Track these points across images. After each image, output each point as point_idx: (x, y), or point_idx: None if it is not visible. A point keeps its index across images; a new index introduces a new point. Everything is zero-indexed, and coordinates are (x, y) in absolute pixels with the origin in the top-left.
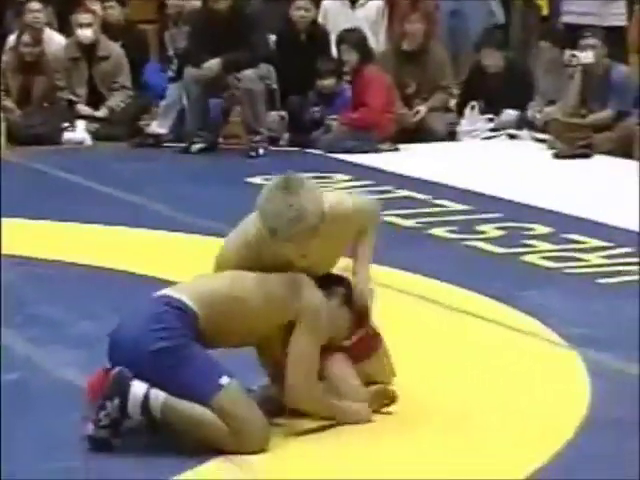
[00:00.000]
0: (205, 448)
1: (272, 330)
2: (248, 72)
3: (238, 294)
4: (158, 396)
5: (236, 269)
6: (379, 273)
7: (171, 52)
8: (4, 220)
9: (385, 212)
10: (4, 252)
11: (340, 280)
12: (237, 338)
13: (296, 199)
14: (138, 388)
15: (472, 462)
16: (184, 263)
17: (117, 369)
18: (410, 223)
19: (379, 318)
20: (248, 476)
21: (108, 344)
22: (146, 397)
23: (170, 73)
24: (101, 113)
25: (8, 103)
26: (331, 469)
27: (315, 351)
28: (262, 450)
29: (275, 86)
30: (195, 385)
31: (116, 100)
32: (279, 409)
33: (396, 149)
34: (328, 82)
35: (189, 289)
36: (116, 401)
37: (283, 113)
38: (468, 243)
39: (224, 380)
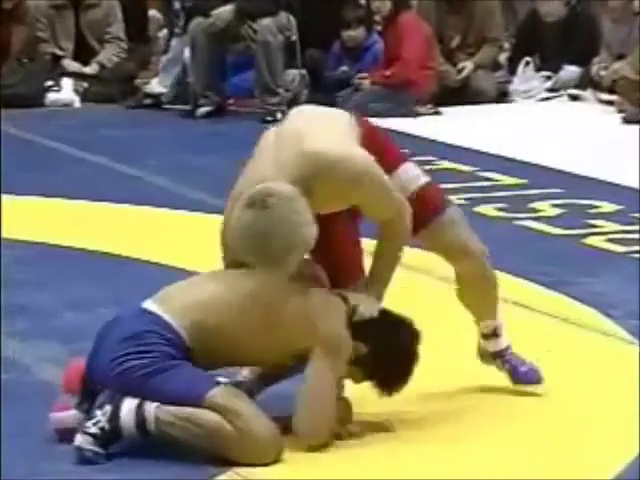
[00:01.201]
0: (209, 461)
1: (279, 357)
2: (264, 22)
3: (237, 315)
4: (151, 405)
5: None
6: (418, 256)
7: (177, 5)
8: None
9: None
10: None
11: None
12: (234, 361)
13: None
14: (130, 399)
15: (556, 461)
16: (187, 245)
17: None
18: (453, 199)
19: (418, 307)
20: None
21: (86, 366)
22: (139, 405)
23: (177, 30)
24: (91, 69)
25: None
26: None
27: (333, 389)
28: (277, 456)
29: (295, 38)
30: (184, 389)
31: (108, 54)
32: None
33: (437, 112)
34: (356, 33)
35: (177, 303)
36: (107, 408)
37: (304, 70)
38: (520, 223)
39: (220, 379)
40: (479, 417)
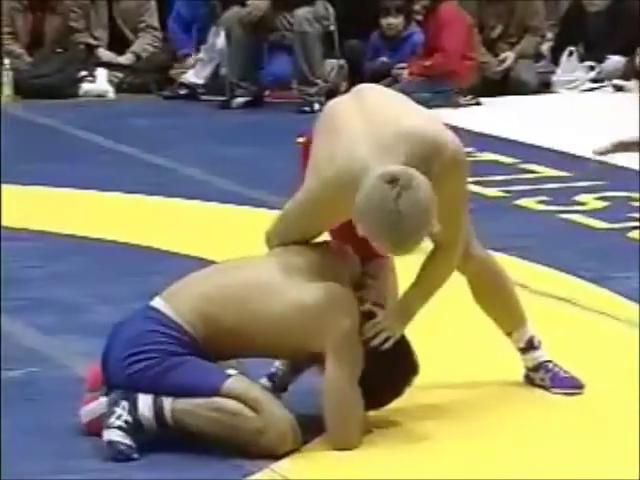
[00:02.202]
0: (240, 458)
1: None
2: (301, 11)
3: (240, 306)
4: (167, 397)
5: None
6: None
7: None
8: (8, 187)
9: None
10: (6, 223)
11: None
12: (244, 352)
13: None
14: (145, 395)
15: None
16: (220, 238)
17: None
18: (495, 192)
19: (456, 302)
20: None
21: (101, 365)
22: (155, 398)
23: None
24: (125, 60)
25: (15, 48)
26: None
27: (354, 392)
28: (295, 445)
29: (333, 28)
30: (198, 380)
31: (142, 44)
32: None
33: (478, 103)
34: (395, 22)
35: (183, 298)
36: (124, 403)
37: (342, 61)
38: (564, 216)
39: (231, 371)
40: (505, 413)
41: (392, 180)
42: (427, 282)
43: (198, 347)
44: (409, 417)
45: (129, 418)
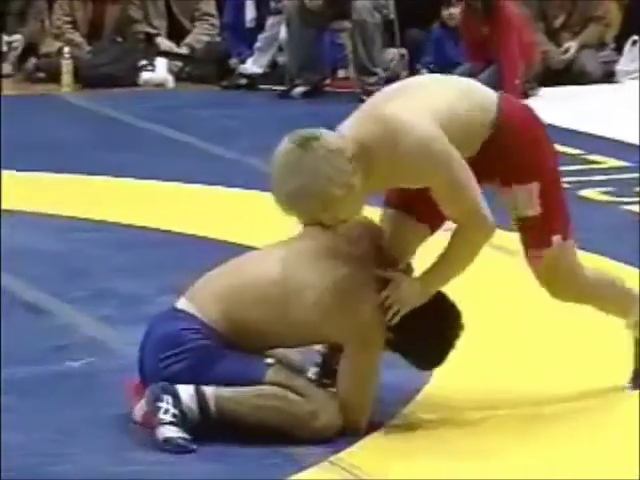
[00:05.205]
0: (290, 451)
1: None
2: (361, 1)
3: (254, 301)
4: (208, 387)
5: None
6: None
7: None
8: (67, 176)
9: None
10: (62, 213)
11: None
12: (268, 346)
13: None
14: (184, 385)
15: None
16: (279, 227)
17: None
18: None
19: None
20: None
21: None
22: (197, 388)
23: (273, 5)
24: (185, 49)
25: (76, 37)
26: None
27: (371, 379)
28: (337, 430)
29: (393, 17)
30: (239, 372)
31: (197, 35)
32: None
33: (536, 92)
34: (456, 12)
35: (204, 297)
36: (167, 397)
37: (403, 50)
38: (628, 207)
39: (269, 360)
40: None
41: (296, 136)
42: (445, 261)
43: (229, 343)
44: (468, 412)
45: (176, 411)
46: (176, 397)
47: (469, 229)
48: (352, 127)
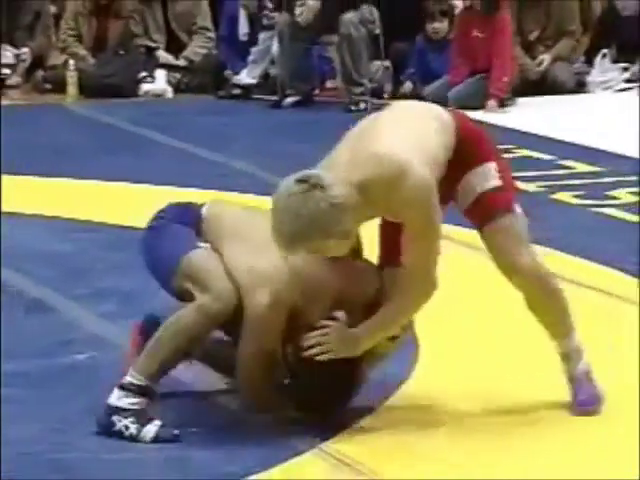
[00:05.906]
0: (288, 438)
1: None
2: (348, 15)
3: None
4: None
5: None
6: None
7: None
8: (71, 181)
9: None
10: (67, 216)
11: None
12: None
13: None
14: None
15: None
16: None
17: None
18: (531, 187)
19: (487, 294)
20: (349, 475)
21: None
22: (120, 386)
23: (265, 21)
24: (182, 61)
25: (80, 50)
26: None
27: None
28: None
29: (378, 31)
30: (170, 246)
31: (194, 47)
32: None
33: (513, 102)
34: (440, 26)
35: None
36: (114, 418)
37: (387, 62)
38: (598, 210)
39: (202, 244)
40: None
41: (301, 179)
42: (383, 314)
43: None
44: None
45: (132, 419)
46: (119, 411)
47: (413, 284)
48: (347, 168)
